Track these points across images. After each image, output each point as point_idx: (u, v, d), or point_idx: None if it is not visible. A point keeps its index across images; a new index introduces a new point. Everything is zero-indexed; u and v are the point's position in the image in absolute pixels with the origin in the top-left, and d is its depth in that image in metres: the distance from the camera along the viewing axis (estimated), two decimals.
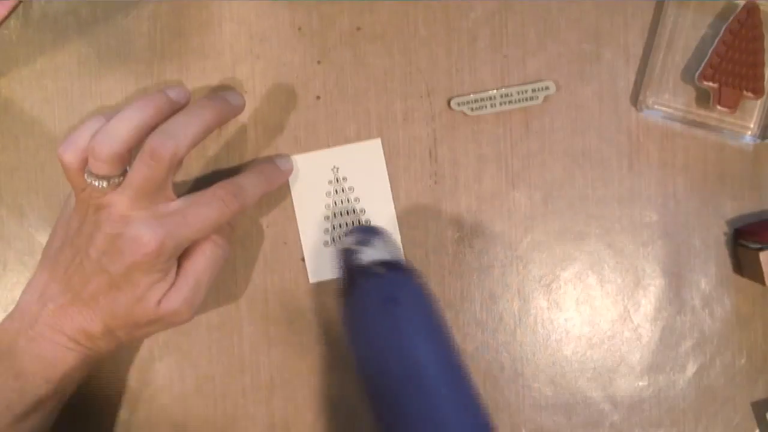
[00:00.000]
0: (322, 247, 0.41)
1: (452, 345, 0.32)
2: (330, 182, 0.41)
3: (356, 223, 0.41)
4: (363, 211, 0.41)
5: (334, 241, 0.41)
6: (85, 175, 0.34)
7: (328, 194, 0.41)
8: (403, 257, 0.36)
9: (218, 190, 0.35)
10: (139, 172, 0.33)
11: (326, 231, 0.41)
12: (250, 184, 0.37)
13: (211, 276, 0.37)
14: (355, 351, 0.32)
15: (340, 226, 0.41)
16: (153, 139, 0.33)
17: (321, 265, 0.41)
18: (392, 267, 0.33)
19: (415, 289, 0.33)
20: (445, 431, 0.28)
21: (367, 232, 0.35)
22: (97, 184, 0.34)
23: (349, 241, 0.35)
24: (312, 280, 0.41)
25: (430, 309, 0.33)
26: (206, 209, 0.35)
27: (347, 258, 0.34)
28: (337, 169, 0.41)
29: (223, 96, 0.38)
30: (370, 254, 0.33)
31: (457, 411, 0.29)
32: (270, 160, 0.40)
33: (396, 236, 0.41)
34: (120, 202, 0.34)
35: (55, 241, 0.37)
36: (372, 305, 0.32)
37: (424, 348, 0.31)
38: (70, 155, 0.34)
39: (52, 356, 0.34)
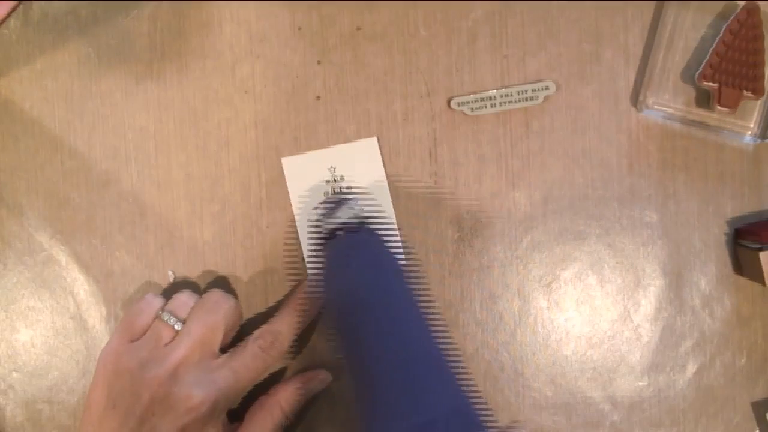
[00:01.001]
0: None
1: (409, 294, 0.34)
2: (327, 182, 0.41)
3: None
4: (362, 210, 0.41)
5: None
6: (163, 313, 0.36)
7: (326, 194, 0.41)
8: (368, 216, 0.39)
9: (258, 341, 0.36)
10: (200, 323, 0.35)
11: None
12: (286, 327, 0.38)
13: None
14: (323, 303, 0.35)
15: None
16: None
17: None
18: (352, 230, 0.37)
19: (371, 245, 0.36)
20: (402, 347, 0.29)
21: (332, 203, 0.39)
22: (171, 322, 0.35)
23: (316, 214, 0.38)
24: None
25: (387, 260, 0.35)
26: (250, 362, 0.36)
27: (315, 229, 0.37)
28: (334, 168, 0.41)
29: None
30: (332, 222, 0.37)
31: (410, 328, 0.31)
32: (300, 287, 0.40)
33: (395, 234, 0.41)
34: (176, 351, 0.34)
35: (98, 399, 0.35)
36: (332, 260, 0.35)
37: (377, 280, 0.33)
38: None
39: None
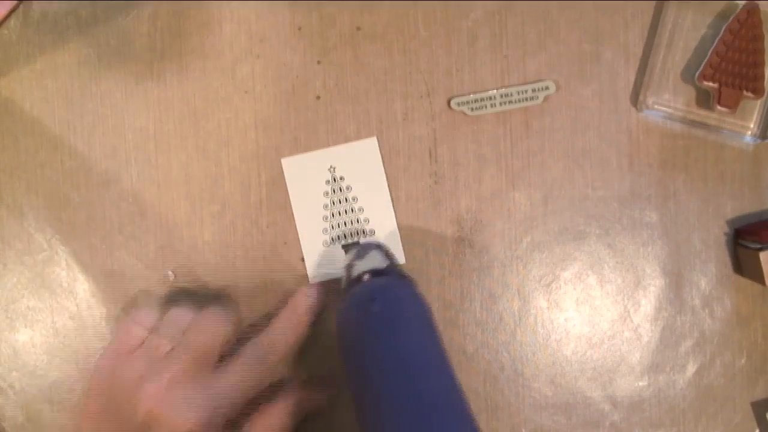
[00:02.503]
0: (322, 247, 0.41)
1: (434, 339, 0.33)
2: (327, 182, 0.41)
3: (354, 222, 0.41)
4: (361, 210, 0.41)
5: (333, 241, 0.41)
6: (161, 326, 0.36)
7: (325, 194, 0.41)
8: (400, 263, 0.38)
9: (255, 349, 0.36)
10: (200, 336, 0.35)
11: (325, 231, 0.41)
12: (283, 334, 0.38)
13: None
14: (342, 353, 0.34)
15: (339, 225, 0.41)
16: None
17: (321, 265, 0.41)
18: (378, 274, 0.36)
19: (396, 291, 0.35)
20: (423, 413, 0.28)
21: (363, 248, 0.38)
22: (169, 335, 0.35)
23: (348, 259, 0.38)
24: (312, 280, 0.41)
25: (410, 307, 0.34)
26: (248, 372, 0.35)
27: (346, 273, 0.37)
28: (334, 168, 0.41)
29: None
30: (361, 267, 0.36)
31: (434, 393, 0.29)
32: (300, 293, 0.40)
33: (395, 235, 0.41)
34: (174, 365, 0.34)
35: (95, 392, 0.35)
36: (353, 307, 0.34)
37: (400, 339, 0.32)
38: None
39: None
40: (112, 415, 0.34)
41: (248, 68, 0.41)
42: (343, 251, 0.41)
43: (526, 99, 0.41)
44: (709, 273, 0.41)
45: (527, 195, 0.41)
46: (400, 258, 0.41)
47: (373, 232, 0.41)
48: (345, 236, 0.41)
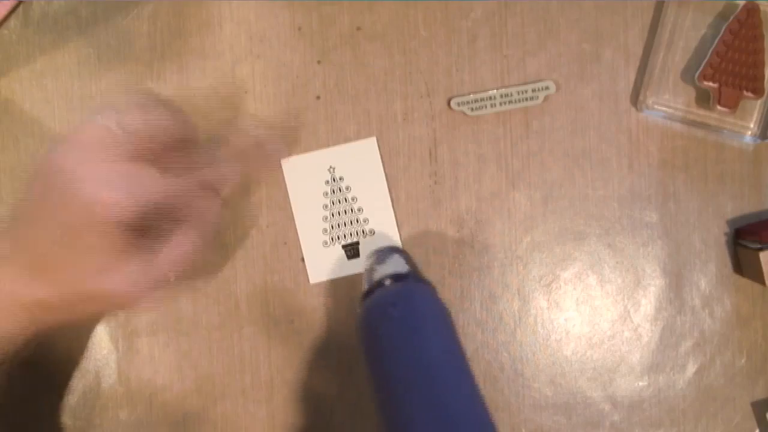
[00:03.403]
0: (322, 247, 0.41)
1: (455, 344, 0.32)
2: (327, 182, 0.41)
3: (354, 223, 0.41)
4: (360, 210, 0.41)
5: (333, 241, 0.41)
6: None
7: (325, 194, 0.41)
8: (416, 268, 0.38)
9: (207, 159, 0.34)
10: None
11: (325, 231, 0.41)
12: (232, 175, 0.35)
13: (179, 271, 0.33)
14: (364, 358, 0.33)
15: (339, 225, 0.41)
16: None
17: (321, 265, 0.41)
18: (399, 279, 0.35)
19: (416, 295, 0.34)
20: (448, 421, 0.28)
21: (382, 252, 0.38)
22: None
23: (368, 263, 0.37)
24: (312, 280, 0.41)
25: (431, 312, 0.34)
26: (186, 184, 0.32)
27: (367, 277, 0.36)
28: (334, 168, 0.41)
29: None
30: (381, 271, 0.36)
31: (458, 402, 0.29)
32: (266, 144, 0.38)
33: (395, 235, 0.41)
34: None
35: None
36: (374, 312, 0.33)
37: (422, 344, 0.31)
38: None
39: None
40: (51, 200, 0.31)
41: (248, 68, 0.41)
42: (342, 251, 0.41)
43: (526, 99, 0.41)
44: (709, 273, 0.41)
45: (527, 195, 0.41)
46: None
47: (372, 232, 0.41)
48: (345, 236, 0.41)
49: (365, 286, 0.36)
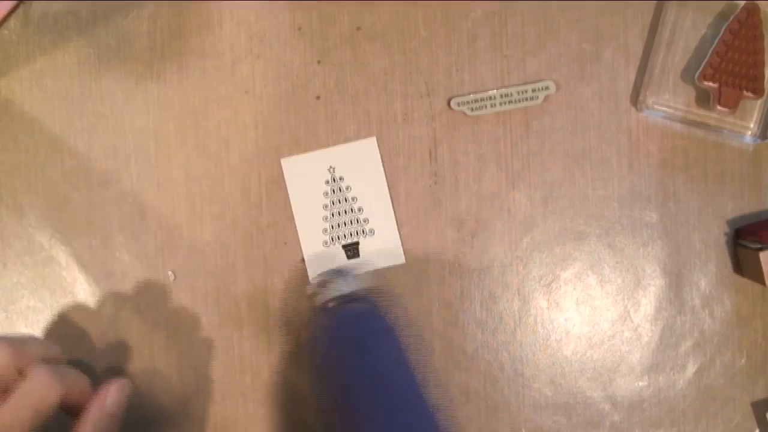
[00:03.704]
0: (322, 247, 0.41)
1: (402, 358, 0.34)
2: (327, 182, 0.41)
3: (354, 223, 0.41)
4: (360, 210, 0.41)
5: (333, 241, 0.41)
6: None
7: (325, 194, 0.41)
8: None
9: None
10: None
11: (325, 231, 0.41)
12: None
13: None
14: (312, 377, 0.35)
15: (339, 225, 0.41)
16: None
17: (321, 265, 0.41)
18: (345, 301, 0.37)
19: (363, 316, 0.36)
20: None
21: (329, 275, 0.39)
22: None
23: (312, 288, 0.39)
24: (312, 280, 0.41)
25: (376, 330, 0.35)
26: None
27: (310, 301, 0.38)
28: (334, 169, 0.41)
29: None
30: (325, 295, 0.38)
31: (407, 415, 0.30)
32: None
33: (394, 234, 0.41)
34: None
35: None
36: (320, 335, 0.35)
37: (367, 361, 0.33)
38: None
39: None
40: None
41: (248, 68, 0.41)
42: (343, 251, 0.41)
43: (526, 99, 0.41)
44: (709, 273, 0.41)
45: (527, 195, 0.41)
46: (400, 258, 0.41)
47: (373, 232, 0.41)
48: (345, 236, 0.41)
49: (309, 311, 0.37)
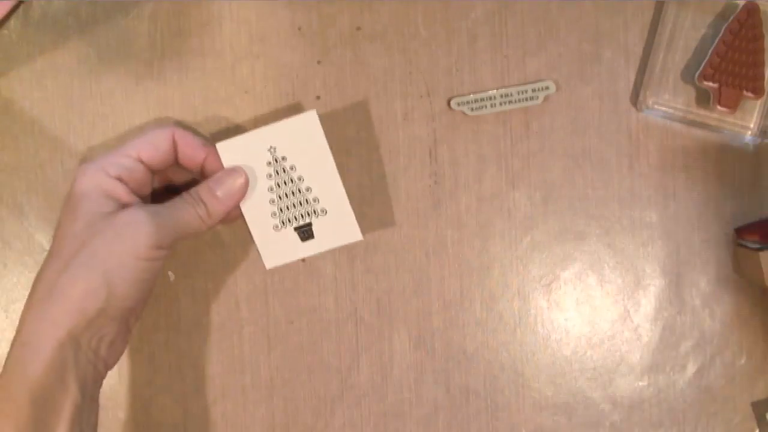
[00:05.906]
0: (273, 231, 0.40)
1: None
2: (269, 163, 0.39)
3: (304, 203, 0.39)
4: (309, 189, 0.39)
5: (284, 224, 0.40)
6: None
7: (269, 176, 0.39)
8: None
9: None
10: None
11: (274, 215, 0.39)
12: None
13: None
14: None
15: (288, 208, 0.39)
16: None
17: (275, 250, 0.40)
18: None
19: None
20: None
21: None
22: None
23: None
24: (268, 266, 0.40)
25: None
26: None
27: None
28: (274, 149, 0.39)
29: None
30: None
31: None
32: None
33: (346, 209, 0.39)
34: None
35: None
36: None
37: None
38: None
39: None
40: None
41: (248, 68, 0.41)
42: (296, 234, 0.40)
43: (526, 99, 0.41)
44: (709, 273, 0.41)
45: (527, 195, 0.41)
46: (356, 235, 0.39)
47: (324, 212, 0.39)
48: (296, 218, 0.40)
49: None
